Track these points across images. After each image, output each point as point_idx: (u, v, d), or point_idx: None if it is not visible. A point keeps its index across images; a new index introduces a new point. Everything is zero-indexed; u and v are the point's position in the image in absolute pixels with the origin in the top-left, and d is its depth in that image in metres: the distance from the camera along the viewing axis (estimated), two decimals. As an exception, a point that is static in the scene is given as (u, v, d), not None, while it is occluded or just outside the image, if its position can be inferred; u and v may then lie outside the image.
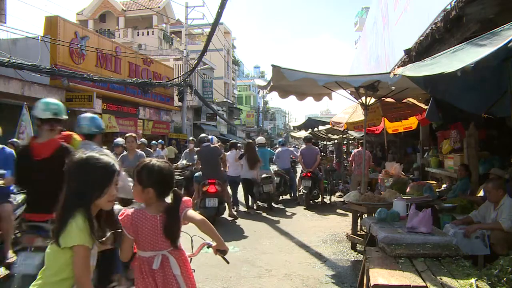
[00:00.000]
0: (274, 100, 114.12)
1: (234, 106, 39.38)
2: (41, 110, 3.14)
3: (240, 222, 7.90)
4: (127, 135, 6.62)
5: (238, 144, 10.06)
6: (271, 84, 5.50)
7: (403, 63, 6.43)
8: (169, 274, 2.08)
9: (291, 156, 10.84)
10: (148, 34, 27.60)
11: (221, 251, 2.22)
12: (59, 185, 1.83)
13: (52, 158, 2.97)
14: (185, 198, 2.23)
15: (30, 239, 3.06)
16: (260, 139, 10.74)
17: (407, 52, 6.00)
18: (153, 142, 13.01)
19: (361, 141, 10.75)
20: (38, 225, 3.02)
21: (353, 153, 10.31)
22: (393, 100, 6.93)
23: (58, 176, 1.89)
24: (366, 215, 5.20)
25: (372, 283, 2.74)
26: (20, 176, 3.28)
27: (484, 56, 2.31)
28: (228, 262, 2.36)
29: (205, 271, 4.69)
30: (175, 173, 5.06)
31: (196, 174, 8.34)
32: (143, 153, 6.58)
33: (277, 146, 16.18)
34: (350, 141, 16.47)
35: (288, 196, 10.99)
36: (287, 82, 5.20)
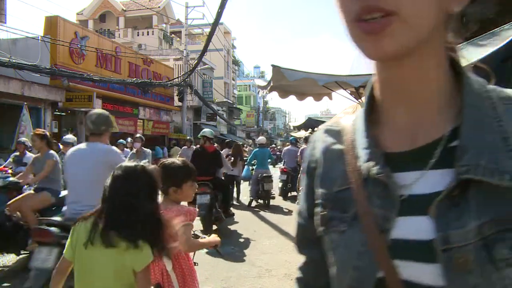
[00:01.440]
0: (274, 100, 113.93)
1: (234, 106, 39.37)
2: (209, 133, 6.98)
3: (239, 221, 7.89)
4: (31, 132, 5.44)
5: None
6: (271, 84, 5.51)
7: (403, 63, 6.42)
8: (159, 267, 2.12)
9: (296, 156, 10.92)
10: (148, 34, 27.59)
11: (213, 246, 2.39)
12: (211, 164, 6.64)
13: (212, 153, 6.81)
14: (191, 208, 2.30)
15: (200, 189, 5.83)
16: (261, 139, 10.93)
17: (407, 52, 5.99)
18: (120, 140, 10.95)
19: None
20: (205, 182, 6.25)
21: None
22: (393, 100, 6.92)
23: (213, 160, 6.56)
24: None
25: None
26: (198, 158, 6.46)
27: (484, 56, 2.31)
28: (221, 253, 2.60)
29: (205, 271, 4.68)
30: None
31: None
32: (53, 152, 5.16)
33: (276, 145, 16.40)
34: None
35: (295, 193, 11.06)
36: (287, 82, 5.21)
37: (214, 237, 2.42)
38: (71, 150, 3.43)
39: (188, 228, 2.17)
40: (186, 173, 2.28)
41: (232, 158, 9.56)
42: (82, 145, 3.43)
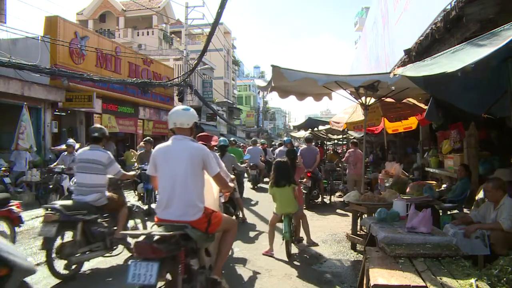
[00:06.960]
0: (274, 100, 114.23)
1: (234, 106, 39.36)
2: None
3: (239, 222, 7.88)
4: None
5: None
6: (271, 84, 5.50)
7: (403, 63, 6.44)
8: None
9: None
10: (148, 34, 27.60)
11: None
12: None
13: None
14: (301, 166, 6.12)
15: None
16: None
17: (407, 52, 6.01)
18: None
19: (355, 140, 10.77)
20: None
21: (347, 153, 10.36)
22: (393, 100, 6.92)
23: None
24: (366, 215, 5.20)
25: (372, 283, 2.74)
26: None
27: (484, 56, 2.31)
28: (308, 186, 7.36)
29: (205, 271, 4.68)
30: None
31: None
32: None
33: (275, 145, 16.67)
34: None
35: None
36: (287, 82, 5.20)
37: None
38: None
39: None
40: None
41: None
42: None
